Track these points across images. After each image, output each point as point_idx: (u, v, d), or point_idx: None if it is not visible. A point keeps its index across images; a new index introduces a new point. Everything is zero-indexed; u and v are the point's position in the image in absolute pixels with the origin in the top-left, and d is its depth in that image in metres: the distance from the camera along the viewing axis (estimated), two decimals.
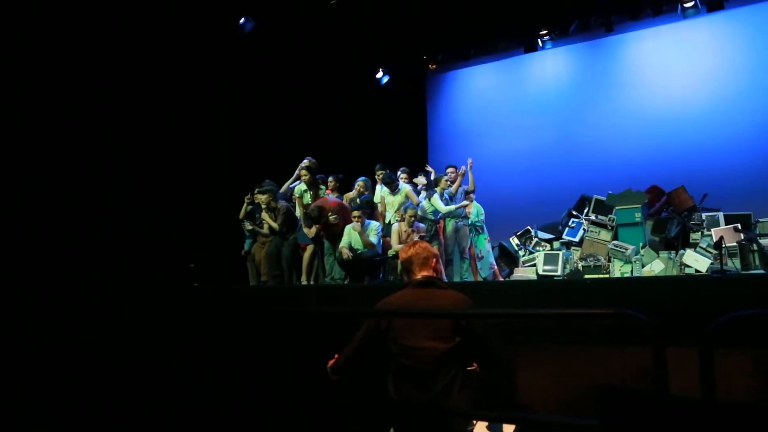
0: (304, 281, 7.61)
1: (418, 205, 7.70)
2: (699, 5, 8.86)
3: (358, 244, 7.08)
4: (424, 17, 9.57)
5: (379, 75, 10.99)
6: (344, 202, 7.89)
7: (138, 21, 8.17)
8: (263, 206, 7.73)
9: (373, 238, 7.09)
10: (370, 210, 7.64)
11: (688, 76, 9.29)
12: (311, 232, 7.54)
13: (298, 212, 7.83)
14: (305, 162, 7.86)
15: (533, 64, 10.53)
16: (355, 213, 7.14)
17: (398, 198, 7.89)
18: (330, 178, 8.18)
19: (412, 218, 7.23)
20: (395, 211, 7.70)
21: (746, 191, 8.20)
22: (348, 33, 9.84)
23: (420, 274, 2.91)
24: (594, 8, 9.49)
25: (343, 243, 7.10)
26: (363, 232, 7.06)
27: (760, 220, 7.47)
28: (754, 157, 8.58)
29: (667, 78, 9.45)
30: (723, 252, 6.30)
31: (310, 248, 7.68)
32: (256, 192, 7.87)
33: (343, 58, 10.39)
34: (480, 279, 7.68)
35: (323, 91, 10.46)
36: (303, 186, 7.80)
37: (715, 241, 6.71)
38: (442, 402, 2.65)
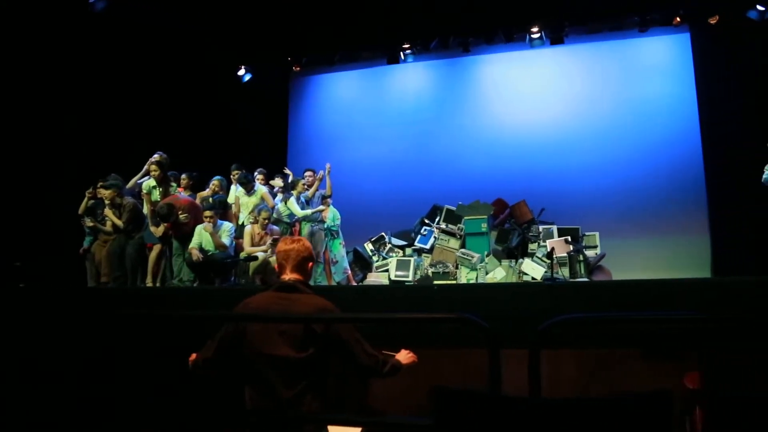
0: (149, 283, 7.16)
1: (273, 207, 7.59)
2: (544, 37, 9.65)
3: (209, 245, 6.82)
4: (290, 19, 9.47)
5: (242, 72, 10.68)
6: (197, 201, 7.57)
7: None
8: (107, 202, 7.18)
9: (225, 240, 6.87)
10: (223, 210, 7.42)
11: (533, 101, 10.06)
12: (159, 231, 7.13)
13: (146, 209, 7.36)
14: (156, 156, 7.40)
15: (395, 75, 10.84)
16: (207, 213, 6.88)
17: (253, 199, 7.71)
18: (183, 176, 7.83)
19: (266, 220, 7.10)
20: (249, 213, 7.52)
21: (576, 208, 9.01)
22: (211, 26, 9.47)
23: (290, 275, 2.79)
24: (453, 29, 9.97)
25: (193, 243, 6.81)
26: (215, 232, 6.82)
27: (587, 233, 8.31)
28: (584, 178, 9.50)
29: (515, 100, 10.17)
30: (554, 261, 6.88)
31: (156, 248, 7.26)
32: (99, 186, 7.32)
33: (205, 51, 9.97)
34: (333, 283, 7.71)
35: (180, 83, 9.95)
36: (152, 182, 7.34)
37: (548, 251, 7.29)
38: (294, 411, 2.55)
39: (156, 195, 7.31)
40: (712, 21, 8.98)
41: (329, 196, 8.02)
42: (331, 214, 8.00)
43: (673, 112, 9.46)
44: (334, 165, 8.20)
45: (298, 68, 10.96)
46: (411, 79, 10.78)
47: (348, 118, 10.86)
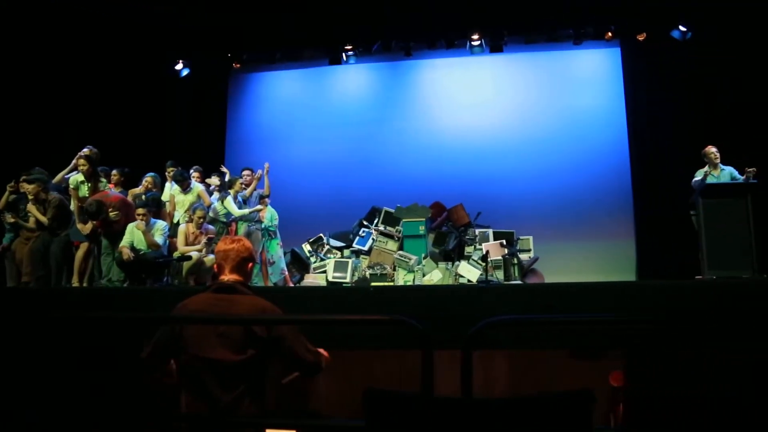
0: (75, 283, 6.86)
1: (209, 206, 7.43)
2: (484, 45, 9.85)
3: (141, 244, 6.61)
4: (230, 14, 9.30)
5: (179, 66, 10.38)
6: (128, 198, 7.32)
7: None
8: (30, 197, 6.83)
9: (159, 239, 6.68)
10: (156, 208, 7.21)
11: (472, 107, 10.23)
12: (86, 228, 6.84)
13: (73, 206, 7.04)
14: (85, 150, 7.07)
15: (337, 76, 10.79)
16: (140, 210, 6.68)
17: (189, 197, 7.53)
18: (114, 171, 7.54)
19: (201, 219, 6.95)
20: (185, 211, 7.33)
21: (511, 212, 9.22)
22: (149, 16, 9.15)
23: (229, 276, 2.71)
24: (395, 32, 10.02)
25: (124, 242, 6.59)
26: (147, 231, 6.63)
27: (521, 237, 8.52)
28: (519, 184, 9.74)
29: (455, 105, 10.31)
30: (489, 264, 7.04)
31: (84, 246, 6.97)
32: (22, 180, 6.95)
33: (141, 43, 9.63)
34: (270, 284, 7.61)
35: (114, 74, 9.58)
36: (80, 177, 7.02)
37: (483, 254, 7.45)
38: (231, 415, 2.48)
39: (84, 191, 7.00)
40: (640, 38, 9.42)
41: (267, 196, 7.96)
42: (269, 214, 7.93)
43: (604, 123, 9.84)
44: (273, 164, 8.15)
45: (238, 65, 10.75)
46: (353, 80, 10.77)
47: (288, 118, 10.73)
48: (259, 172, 7.88)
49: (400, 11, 9.24)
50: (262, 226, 7.78)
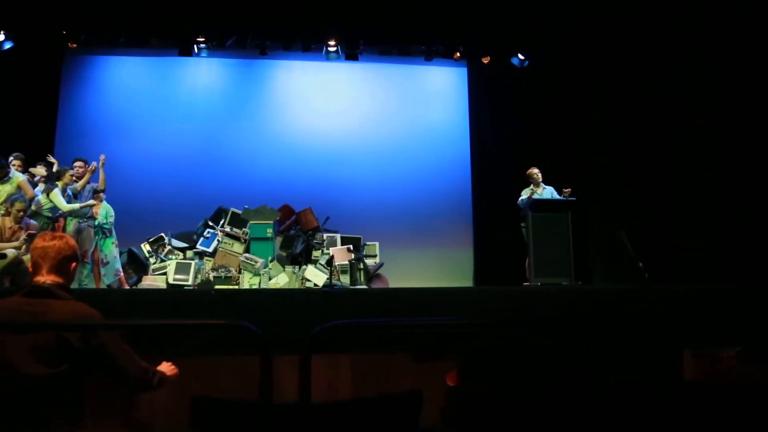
0: None
1: (32, 198, 6.72)
2: (340, 52, 9.96)
3: None
4: None
5: (0, 38, 9.17)
6: None
7: None
8: None
9: None
10: None
11: (325, 111, 10.26)
12: None
13: None
14: None
15: (187, 68, 10.25)
16: None
17: (7, 188, 6.72)
18: None
19: (21, 213, 6.27)
20: (1, 203, 6.55)
21: (359, 218, 9.39)
22: None
23: (46, 277, 2.42)
24: (250, 29, 9.75)
25: None
26: None
27: (368, 243, 8.73)
28: (367, 191, 9.95)
29: (308, 109, 10.27)
30: (335, 269, 7.14)
31: None
32: None
33: None
34: (103, 286, 7.15)
35: None
36: None
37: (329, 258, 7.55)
38: None
39: None
40: (485, 60, 10.10)
41: (102, 191, 7.44)
42: (104, 211, 7.42)
43: (450, 138, 10.38)
44: (111, 157, 7.70)
45: (74, 45, 9.75)
46: (204, 74, 10.31)
47: (131, 107, 9.95)
48: (94, 164, 7.32)
49: (256, 9, 9.03)
50: (96, 222, 7.28)
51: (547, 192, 7.89)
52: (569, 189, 7.63)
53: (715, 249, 7.85)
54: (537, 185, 7.91)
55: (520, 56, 9.92)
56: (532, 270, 7.33)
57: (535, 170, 7.96)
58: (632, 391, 1.86)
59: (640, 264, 7.20)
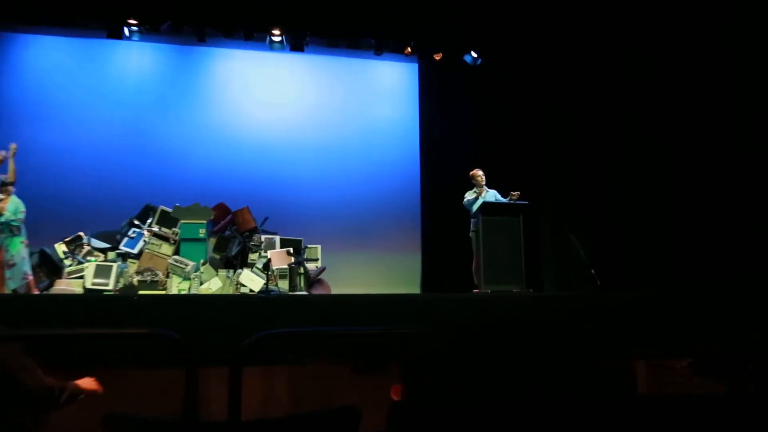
0: None
1: None
2: (284, 42, 9.48)
3: None
4: None
5: None
6: None
7: None
8: None
9: None
10: None
11: (267, 105, 9.79)
12: None
13: None
14: None
15: (116, 52, 9.50)
16: None
17: None
18: None
19: None
20: None
21: (300, 219, 9.06)
22: None
23: None
24: (187, 14, 9.14)
25: None
26: None
27: (309, 246, 8.43)
28: (310, 190, 9.55)
29: (249, 101, 9.77)
30: (273, 273, 6.90)
31: None
32: None
33: None
34: (8, 291, 6.68)
35: None
36: None
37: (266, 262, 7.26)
38: None
39: None
40: (437, 57, 9.85)
41: (11, 183, 7.00)
42: (13, 206, 6.96)
43: (399, 136, 10.11)
44: (23, 146, 7.20)
45: None
46: (135, 59, 9.59)
47: (49, 92, 9.12)
48: (3, 154, 6.94)
49: None
50: (2, 219, 6.83)
51: (491, 195, 7.72)
52: (518, 192, 7.45)
53: (664, 252, 7.88)
54: (480, 187, 7.70)
55: (473, 54, 9.72)
56: (482, 276, 7.14)
57: (479, 172, 7.76)
58: (584, 404, 1.81)
59: (593, 271, 7.13)
